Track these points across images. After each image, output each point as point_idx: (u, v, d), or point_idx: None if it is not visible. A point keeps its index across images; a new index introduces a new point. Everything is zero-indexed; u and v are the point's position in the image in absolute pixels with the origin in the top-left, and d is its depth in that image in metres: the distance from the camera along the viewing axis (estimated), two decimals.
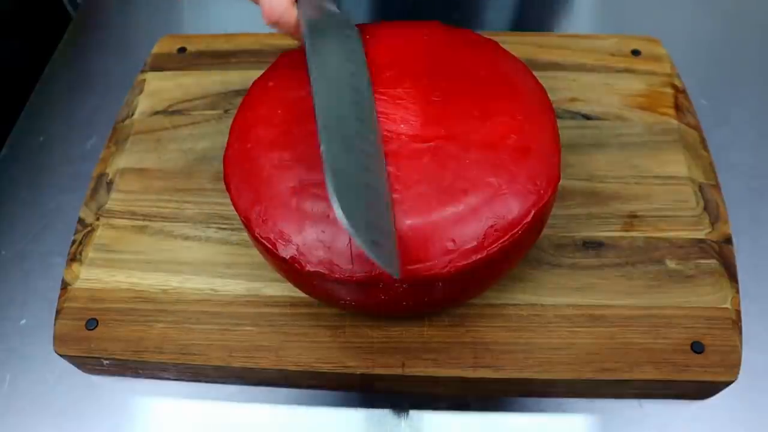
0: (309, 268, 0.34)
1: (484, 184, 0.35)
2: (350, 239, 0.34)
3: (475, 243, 0.34)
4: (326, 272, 0.34)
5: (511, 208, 0.35)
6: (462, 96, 0.38)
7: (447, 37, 0.42)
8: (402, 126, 0.37)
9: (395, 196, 0.34)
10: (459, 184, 0.35)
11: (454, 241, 0.34)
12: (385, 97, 0.38)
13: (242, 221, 0.37)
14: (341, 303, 0.37)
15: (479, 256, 0.34)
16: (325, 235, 0.34)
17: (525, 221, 0.35)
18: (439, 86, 0.38)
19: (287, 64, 0.42)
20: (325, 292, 0.36)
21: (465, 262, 0.34)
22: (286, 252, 0.35)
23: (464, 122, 0.37)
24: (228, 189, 0.38)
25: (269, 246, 0.35)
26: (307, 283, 0.37)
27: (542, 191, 0.36)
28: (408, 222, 0.34)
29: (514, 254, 0.37)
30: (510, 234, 0.35)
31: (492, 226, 0.34)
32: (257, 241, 0.36)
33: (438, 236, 0.34)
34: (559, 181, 0.37)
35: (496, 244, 0.34)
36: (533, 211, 0.35)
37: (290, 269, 0.35)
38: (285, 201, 0.35)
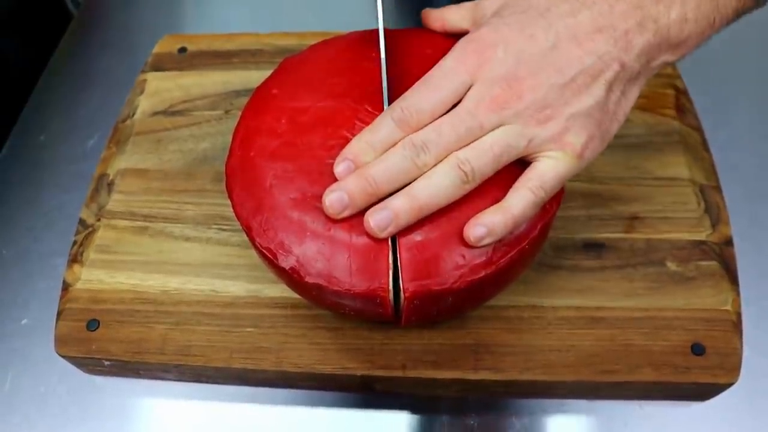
0: (308, 279, 0.34)
1: (493, 198, 0.34)
2: (350, 254, 0.34)
3: (484, 258, 0.34)
4: (325, 284, 0.34)
5: None
6: None
7: (449, 46, 0.41)
8: None
9: None
10: (468, 198, 0.34)
11: (463, 256, 0.34)
12: None
13: (243, 229, 0.37)
14: (341, 312, 0.37)
15: (488, 271, 0.34)
16: (325, 248, 0.34)
17: (532, 235, 0.35)
18: None
19: (291, 70, 0.41)
20: (324, 302, 0.36)
21: (474, 277, 0.34)
22: (286, 262, 0.35)
23: None
24: (230, 196, 0.38)
25: (270, 256, 0.35)
26: (307, 293, 0.37)
27: (548, 205, 0.36)
28: (418, 237, 0.34)
29: (520, 266, 0.37)
30: (517, 248, 0.35)
31: (500, 241, 0.34)
32: (258, 250, 0.36)
33: (448, 251, 0.34)
34: (564, 194, 0.37)
35: (504, 258, 0.34)
36: (540, 225, 0.35)
37: (290, 279, 0.35)
38: (286, 212, 0.35)
